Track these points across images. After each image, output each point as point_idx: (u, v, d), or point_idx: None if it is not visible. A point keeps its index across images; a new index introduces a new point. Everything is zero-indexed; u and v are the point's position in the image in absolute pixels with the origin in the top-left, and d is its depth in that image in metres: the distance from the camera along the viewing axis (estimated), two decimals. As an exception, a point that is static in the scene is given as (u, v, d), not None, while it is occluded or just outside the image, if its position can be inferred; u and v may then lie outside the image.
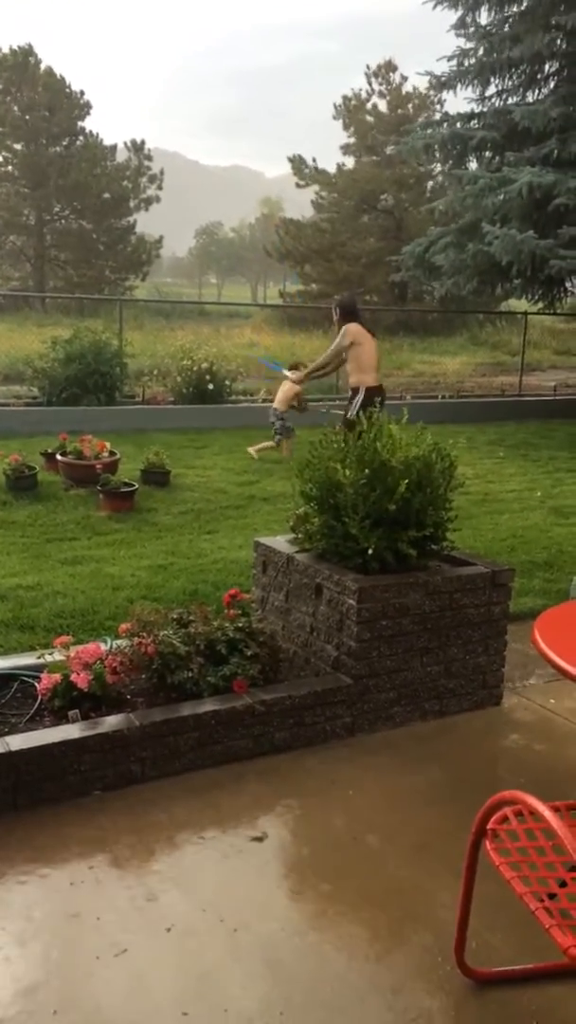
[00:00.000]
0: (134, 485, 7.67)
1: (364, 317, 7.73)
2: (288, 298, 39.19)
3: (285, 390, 10.14)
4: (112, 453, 8.34)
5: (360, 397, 7.48)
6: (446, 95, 16.56)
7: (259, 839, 3.00)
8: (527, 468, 10.25)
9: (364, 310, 8.94)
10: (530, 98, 15.56)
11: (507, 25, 15.08)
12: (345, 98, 36.90)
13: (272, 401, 10.64)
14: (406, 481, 3.69)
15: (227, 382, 13.42)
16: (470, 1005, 2.33)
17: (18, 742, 3.14)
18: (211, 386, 12.94)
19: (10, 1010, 2.25)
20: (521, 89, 15.69)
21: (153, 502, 7.70)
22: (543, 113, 13.88)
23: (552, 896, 2.09)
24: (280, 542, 4.32)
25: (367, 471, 3.74)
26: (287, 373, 9.26)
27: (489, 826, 2.26)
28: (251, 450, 9.95)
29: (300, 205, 42.50)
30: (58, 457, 8.28)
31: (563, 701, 4.11)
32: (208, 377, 12.96)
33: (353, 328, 7.56)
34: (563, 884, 2.14)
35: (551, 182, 12.92)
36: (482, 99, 16.07)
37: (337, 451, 3.94)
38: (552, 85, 15.34)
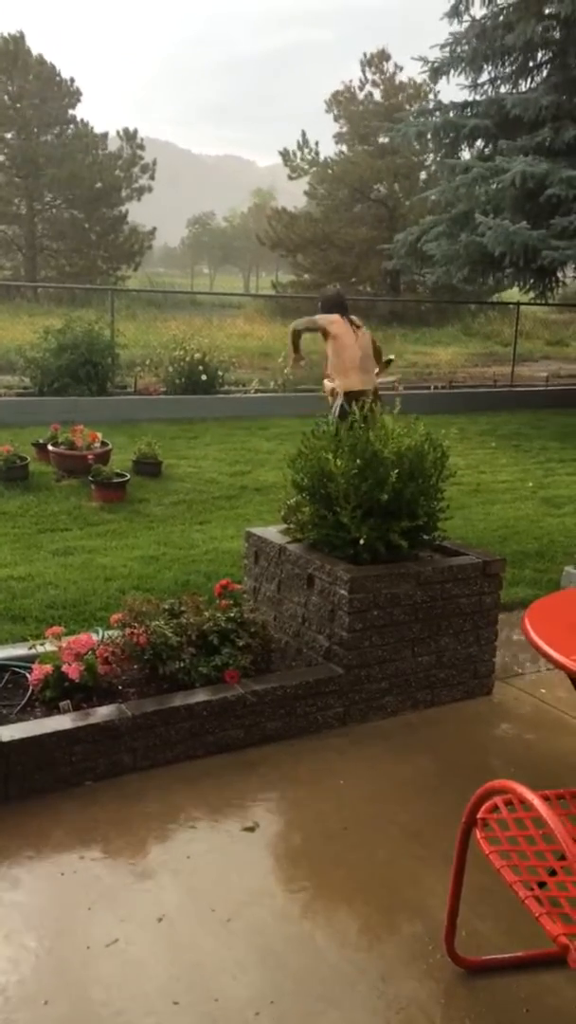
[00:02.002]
0: (126, 476, 7.65)
1: (350, 313, 6.81)
2: (281, 288, 39.10)
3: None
4: (104, 443, 8.32)
5: (338, 403, 6.55)
6: (440, 85, 16.44)
7: (251, 829, 3.01)
8: (519, 458, 10.26)
9: (357, 299, 8.49)
10: (523, 86, 15.51)
11: (501, 15, 15.00)
12: (336, 93, 36.75)
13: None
14: (396, 471, 3.69)
15: (219, 372, 13.39)
16: (460, 993, 2.34)
17: (9, 733, 3.14)
18: (204, 376, 12.91)
19: (0, 999, 2.25)
20: (514, 77, 15.62)
21: (145, 492, 7.69)
22: (535, 101, 13.84)
23: (542, 885, 2.10)
24: (272, 532, 4.32)
25: (358, 461, 3.73)
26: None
27: (479, 815, 2.26)
28: None
29: (293, 194, 42.38)
30: (50, 447, 8.25)
31: (553, 691, 4.12)
32: (200, 368, 12.93)
33: (331, 317, 6.68)
34: (553, 873, 2.14)
35: (543, 172, 12.88)
36: (475, 86, 16.01)
37: (329, 441, 3.93)
38: (544, 73, 15.28)
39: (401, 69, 36.34)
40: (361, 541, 3.75)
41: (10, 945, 2.44)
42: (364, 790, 3.28)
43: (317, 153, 36.49)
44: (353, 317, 6.80)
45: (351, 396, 6.35)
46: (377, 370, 6.99)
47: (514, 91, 15.37)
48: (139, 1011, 2.23)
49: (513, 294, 19.60)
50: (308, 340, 7.41)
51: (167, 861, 2.83)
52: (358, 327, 6.78)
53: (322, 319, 6.68)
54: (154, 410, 12.09)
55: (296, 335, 6.96)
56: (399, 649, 3.82)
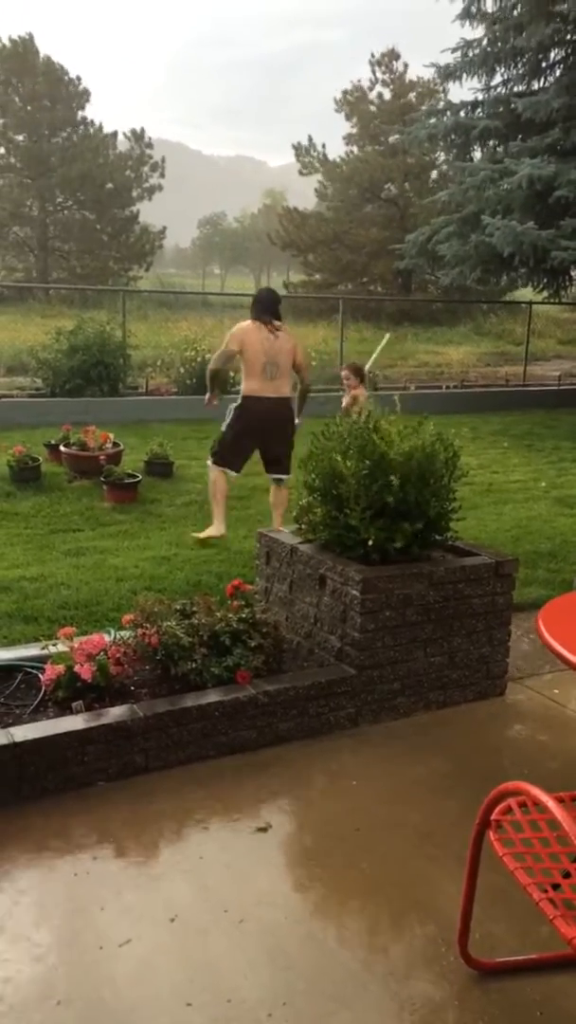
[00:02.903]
0: (137, 476, 7.67)
1: (272, 312, 6.29)
2: (292, 288, 39.13)
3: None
4: (116, 444, 8.34)
5: (232, 408, 6.26)
6: (451, 85, 16.39)
7: (263, 829, 3.01)
8: (531, 458, 10.23)
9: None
10: (536, 87, 15.46)
11: (513, 12, 14.95)
12: (345, 92, 36.74)
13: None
14: (398, 475, 3.67)
15: (231, 373, 13.40)
16: (473, 995, 2.33)
17: (22, 733, 3.15)
18: (215, 377, 12.91)
19: (13, 999, 2.25)
20: (527, 78, 15.57)
21: (156, 493, 7.70)
22: (545, 103, 13.79)
23: (556, 887, 2.09)
24: (284, 533, 4.32)
25: (368, 462, 3.73)
26: None
27: (493, 817, 2.25)
28: None
29: (304, 195, 42.42)
30: (62, 448, 8.28)
31: (567, 691, 4.11)
32: (212, 368, 12.94)
33: (240, 327, 6.28)
34: (567, 875, 2.13)
35: (551, 174, 12.84)
36: (487, 89, 15.98)
37: (339, 442, 3.93)
38: (558, 73, 15.22)
39: (407, 68, 36.29)
40: (370, 542, 3.74)
41: (23, 945, 2.44)
42: (376, 791, 3.27)
43: (325, 156, 36.55)
44: (277, 322, 6.25)
45: (250, 403, 6.10)
46: (301, 383, 6.56)
47: (526, 91, 15.33)
48: (152, 1011, 2.23)
49: (526, 293, 19.55)
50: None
51: (180, 861, 2.83)
52: (276, 330, 6.19)
53: (229, 342, 6.23)
54: (165, 411, 12.12)
55: (216, 375, 6.53)
56: (411, 650, 3.81)
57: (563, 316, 30.19)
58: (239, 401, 6.26)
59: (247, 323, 6.28)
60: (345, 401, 8.25)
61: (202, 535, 6.24)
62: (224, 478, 6.37)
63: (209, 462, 6.47)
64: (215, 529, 6.29)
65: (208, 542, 6.19)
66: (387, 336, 10.77)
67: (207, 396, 6.61)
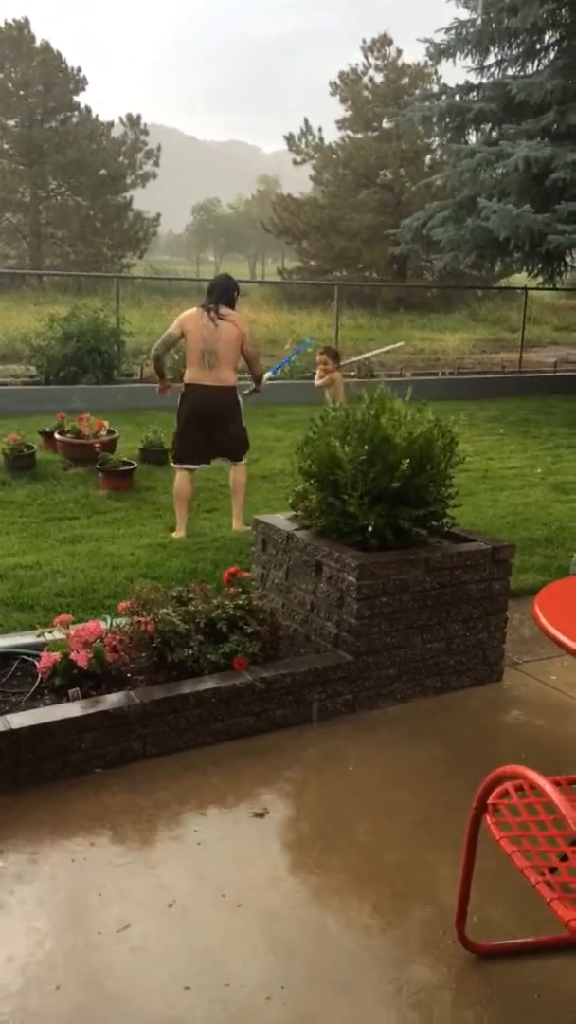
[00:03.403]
0: (133, 464, 7.65)
1: (219, 300, 6.18)
2: (287, 275, 38.96)
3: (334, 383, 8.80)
4: (110, 432, 8.32)
5: (180, 397, 6.28)
6: (443, 67, 16.35)
7: (260, 815, 3.01)
8: (527, 445, 10.22)
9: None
10: (530, 69, 15.35)
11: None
12: (342, 73, 36.49)
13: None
14: (407, 460, 3.66)
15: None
16: (472, 978, 2.34)
17: (19, 720, 3.15)
18: (209, 364, 12.87)
19: (12, 986, 2.26)
20: (521, 59, 15.47)
21: (152, 481, 7.68)
22: (540, 85, 13.70)
23: (553, 870, 2.09)
24: (280, 519, 4.31)
25: (367, 447, 3.71)
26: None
27: (490, 801, 2.26)
28: None
29: (298, 180, 42.19)
30: (56, 436, 8.25)
31: (564, 676, 4.11)
32: (206, 355, 12.89)
33: (184, 313, 6.22)
34: (564, 858, 2.14)
35: (548, 156, 12.77)
36: (481, 69, 15.86)
37: (337, 427, 3.91)
38: (552, 55, 15.13)
39: (400, 53, 36.03)
40: (369, 528, 3.74)
41: (21, 931, 2.45)
42: (374, 776, 3.28)
43: (321, 139, 36.35)
44: (225, 310, 6.09)
45: (192, 390, 6.07)
46: (256, 372, 6.55)
47: (521, 73, 15.23)
48: (151, 996, 2.24)
49: (521, 279, 19.50)
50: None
51: (177, 847, 2.83)
52: (220, 318, 6.03)
53: (172, 327, 6.23)
54: (160, 398, 12.03)
55: (158, 361, 6.50)
56: (408, 636, 3.81)
57: (559, 303, 30.12)
58: (183, 389, 6.24)
59: (192, 309, 6.21)
60: (319, 381, 8.53)
61: (172, 535, 6.12)
62: (186, 479, 6.19)
63: (172, 463, 6.38)
64: (176, 532, 6.12)
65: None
66: (400, 343, 10.99)
67: (158, 384, 6.57)
